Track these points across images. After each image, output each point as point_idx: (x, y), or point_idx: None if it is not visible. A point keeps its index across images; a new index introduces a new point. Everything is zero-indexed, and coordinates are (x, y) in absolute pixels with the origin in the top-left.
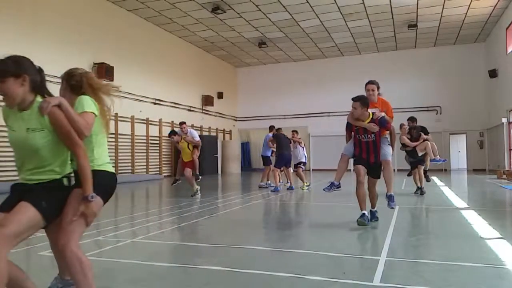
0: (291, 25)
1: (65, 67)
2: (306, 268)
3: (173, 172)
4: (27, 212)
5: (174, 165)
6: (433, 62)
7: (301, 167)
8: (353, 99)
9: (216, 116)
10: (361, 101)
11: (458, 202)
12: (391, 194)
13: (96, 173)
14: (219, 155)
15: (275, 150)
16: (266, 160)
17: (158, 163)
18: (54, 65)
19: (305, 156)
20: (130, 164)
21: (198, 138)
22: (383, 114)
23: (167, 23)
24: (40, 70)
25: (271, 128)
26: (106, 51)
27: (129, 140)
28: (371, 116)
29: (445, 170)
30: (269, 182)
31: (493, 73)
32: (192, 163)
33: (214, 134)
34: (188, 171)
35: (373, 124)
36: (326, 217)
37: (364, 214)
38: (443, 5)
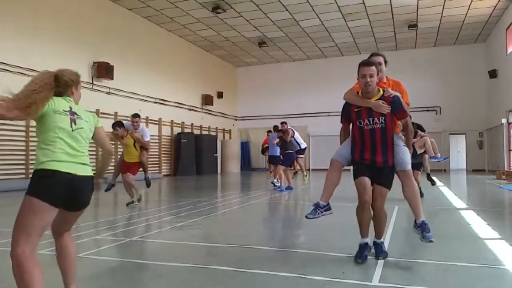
0: (291, 24)
1: (65, 65)
2: (305, 268)
3: (173, 172)
4: None
5: (174, 164)
6: (433, 62)
7: (301, 156)
8: (365, 62)
9: (215, 115)
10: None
11: (457, 202)
12: (423, 221)
13: (33, 174)
14: (218, 154)
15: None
16: (275, 159)
17: (157, 162)
18: (53, 64)
19: (298, 144)
20: None
21: (148, 139)
22: (397, 93)
23: (167, 22)
24: None
25: (276, 128)
26: (106, 50)
27: None
28: (381, 93)
29: (445, 170)
30: (275, 180)
31: (493, 74)
32: (138, 166)
33: (214, 133)
34: (131, 177)
35: (382, 102)
36: (325, 217)
37: (366, 245)
38: (443, 5)
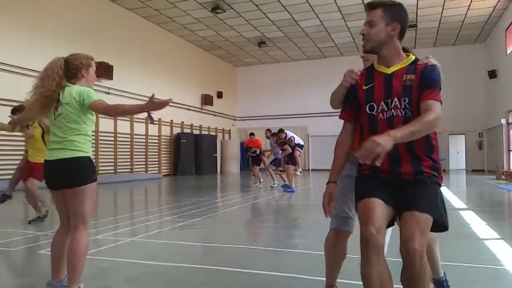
0: (290, 24)
1: None
2: (304, 268)
3: (172, 172)
4: None
5: (173, 164)
6: None
7: (299, 150)
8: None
9: (215, 115)
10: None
11: (456, 202)
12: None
13: None
14: (218, 154)
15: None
16: (276, 161)
17: (157, 162)
18: None
19: (298, 144)
20: (129, 163)
21: None
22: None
23: (166, 22)
24: None
25: (268, 132)
26: (106, 49)
27: (128, 139)
28: (411, 58)
29: (444, 170)
30: (276, 182)
31: (492, 74)
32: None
33: (213, 133)
34: (35, 183)
35: (407, 76)
36: (325, 217)
37: None
38: (443, 5)
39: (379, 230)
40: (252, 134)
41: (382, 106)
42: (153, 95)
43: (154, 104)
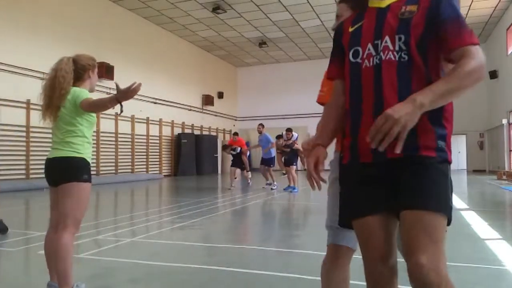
0: (291, 25)
1: None
2: (305, 268)
3: (173, 172)
4: None
5: (174, 165)
6: None
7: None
8: None
9: (216, 115)
10: None
11: (458, 202)
12: None
13: None
14: (219, 154)
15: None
16: (269, 161)
17: (158, 162)
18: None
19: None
20: (130, 164)
21: None
22: None
23: (167, 23)
24: None
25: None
26: (106, 50)
27: (129, 140)
28: None
29: None
30: (273, 183)
31: (493, 74)
32: None
33: (214, 134)
34: None
35: (406, 8)
36: (325, 217)
37: None
38: None
39: (387, 260)
40: (235, 134)
41: (369, 49)
42: (117, 85)
43: (124, 94)
